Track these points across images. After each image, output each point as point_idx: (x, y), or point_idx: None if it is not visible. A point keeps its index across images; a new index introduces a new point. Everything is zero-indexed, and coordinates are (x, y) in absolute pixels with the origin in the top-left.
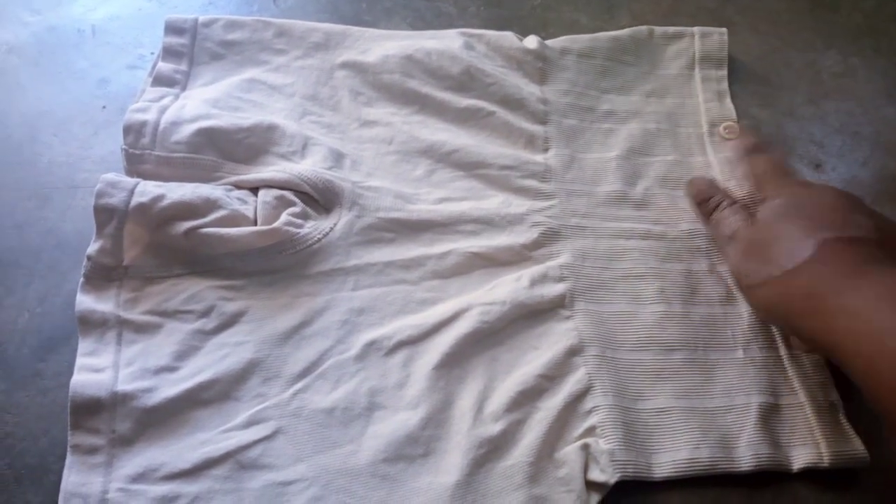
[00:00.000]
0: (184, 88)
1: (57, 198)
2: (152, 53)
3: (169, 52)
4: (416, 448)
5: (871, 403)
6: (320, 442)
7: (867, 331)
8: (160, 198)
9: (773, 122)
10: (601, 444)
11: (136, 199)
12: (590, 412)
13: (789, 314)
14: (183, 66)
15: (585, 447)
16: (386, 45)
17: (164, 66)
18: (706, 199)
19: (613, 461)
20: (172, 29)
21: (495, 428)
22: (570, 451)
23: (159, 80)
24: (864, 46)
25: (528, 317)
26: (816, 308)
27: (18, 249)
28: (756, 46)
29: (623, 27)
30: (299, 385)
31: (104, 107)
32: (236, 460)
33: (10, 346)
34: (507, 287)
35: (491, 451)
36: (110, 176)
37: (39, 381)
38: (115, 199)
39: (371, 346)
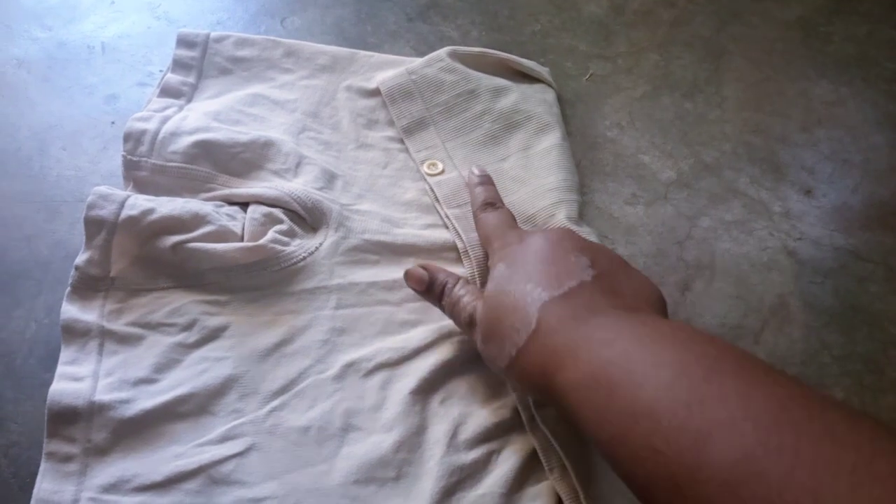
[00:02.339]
0: (189, 100)
1: (66, 211)
2: (161, 71)
3: (178, 65)
4: (387, 471)
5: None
6: (293, 460)
7: (592, 372)
8: (150, 211)
9: (767, 147)
10: (576, 479)
11: (125, 212)
12: None
13: (536, 388)
14: (191, 79)
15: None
16: (388, 72)
17: (173, 78)
18: (429, 286)
19: (589, 497)
20: (184, 42)
21: (468, 456)
22: (544, 486)
23: (166, 91)
24: (855, 76)
25: None
26: (554, 374)
27: (28, 261)
28: (750, 74)
29: (620, 54)
30: (276, 402)
31: (113, 122)
32: (209, 475)
33: (17, 357)
34: None
35: (463, 479)
36: (102, 188)
37: (46, 391)
38: (106, 212)
39: (350, 366)
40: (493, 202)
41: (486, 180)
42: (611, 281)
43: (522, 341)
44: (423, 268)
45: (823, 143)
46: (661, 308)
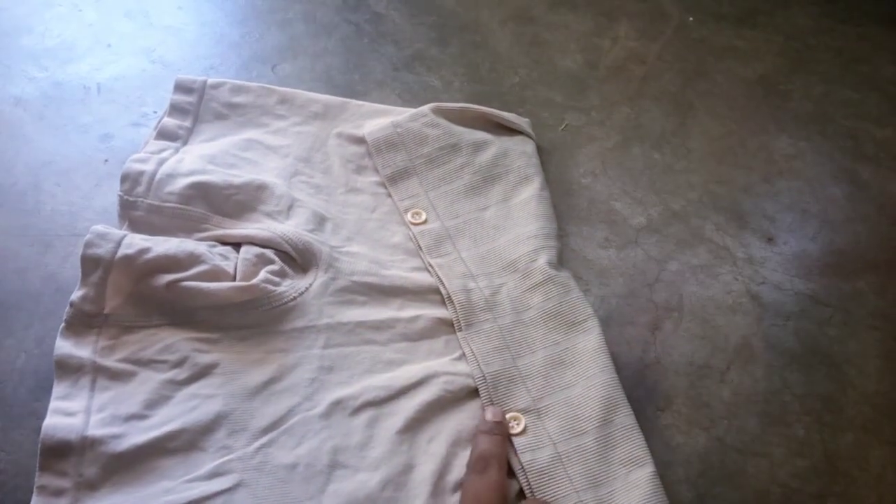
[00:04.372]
0: (185, 143)
1: (58, 245)
2: (155, 112)
3: (175, 109)
4: None
5: None
6: (280, 497)
7: None
8: (146, 250)
9: (730, 197)
10: None
11: (122, 251)
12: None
13: None
14: (187, 123)
15: None
16: (377, 121)
17: (169, 122)
18: None
19: None
20: (182, 88)
21: (454, 499)
22: None
23: (163, 134)
24: (813, 132)
25: None
26: None
27: (20, 293)
28: (714, 128)
29: (594, 106)
30: (264, 439)
31: (106, 160)
32: None
33: (7, 386)
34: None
35: None
36: (99, 227)
37: (34, 420)
38: (102, 250)
39: (337, 404)
40: (487, 461)
41: (492, 428)
42: None
43: None
44: None
45: (784, 194)
46: None
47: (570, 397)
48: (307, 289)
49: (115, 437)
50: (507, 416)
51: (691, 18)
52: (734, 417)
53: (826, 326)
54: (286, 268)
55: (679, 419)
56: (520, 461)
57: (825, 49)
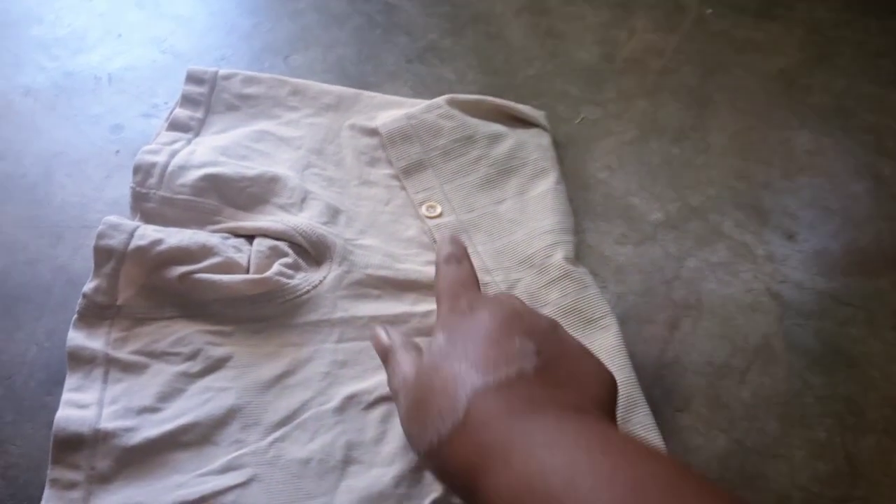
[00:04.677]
0: (197, 135)
1: (69, 236)
2: (166, 103)
3: (187, 100)
4: None
5: None
6: (294, 492)
7: (518, 486)
8: (158, 242)
9: (750, 193)
10: None
11: (135, 242)
12: None
13: (457, 487)
14: (199, 114)
15: None
16: (390, 112)
17: (181, 113)
18: (385, 352)
19: None
20: (193, 78)
21: None
22: None
23: (174, 126)
24: (835, 127)
25: None
26: (479, 476)
27: (30, 285)
28: (734, 123)
29: (610, 100)
30: (278, 434)
31: (118, 151)
32: None
33: (18, 379)
34: None
35: None
36: (112, 218)
37: (45, 413)
38: (115, 241)
39: (351, 399)
40: (458, 256)
41: (456, 237)
42: (555, 372)
43: (446, 431)
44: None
45: (805, 190)
46: (609, 405)
47: None
48: (321, 282)
49: (128, 430)
50: None
51: (710, 10)
52: (754, 419)
53: (848, 326)
54: (300, 260)
55: (698, 420)
56: None
57: (846, 43)
